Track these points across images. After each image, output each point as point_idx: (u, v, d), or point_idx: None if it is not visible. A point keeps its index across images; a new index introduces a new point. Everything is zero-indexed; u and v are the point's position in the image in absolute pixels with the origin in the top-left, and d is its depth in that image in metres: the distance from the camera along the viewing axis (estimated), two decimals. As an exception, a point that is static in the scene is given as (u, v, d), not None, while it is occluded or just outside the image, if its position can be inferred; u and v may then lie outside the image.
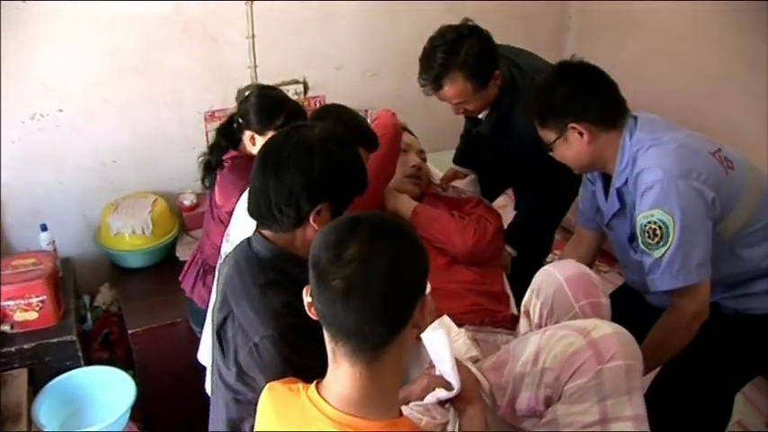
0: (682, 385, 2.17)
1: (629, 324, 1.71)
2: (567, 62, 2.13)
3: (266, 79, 3.32)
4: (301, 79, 3.44)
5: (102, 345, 3.06)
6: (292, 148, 1.62)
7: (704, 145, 2.01)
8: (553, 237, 3.10)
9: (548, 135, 2.10)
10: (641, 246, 1.96)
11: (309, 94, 3.47)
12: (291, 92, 3.39)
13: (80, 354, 2.69)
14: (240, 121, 2.47)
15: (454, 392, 1.61)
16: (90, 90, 3.03)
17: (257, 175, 1.65)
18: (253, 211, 1.69)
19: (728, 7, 3.06)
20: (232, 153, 2.51)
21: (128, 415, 2.50)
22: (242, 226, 2.09)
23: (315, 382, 1.37)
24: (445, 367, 1.61)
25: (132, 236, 3.04)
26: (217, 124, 3.22)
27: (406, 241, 1.30)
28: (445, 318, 1.71)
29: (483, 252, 2.48)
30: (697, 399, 2.18)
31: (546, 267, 1.97)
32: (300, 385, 1.40)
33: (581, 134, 2.03)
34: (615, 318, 1.86)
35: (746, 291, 2.09)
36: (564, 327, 1.71)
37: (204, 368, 2.43)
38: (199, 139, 3.31)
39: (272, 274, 1.64)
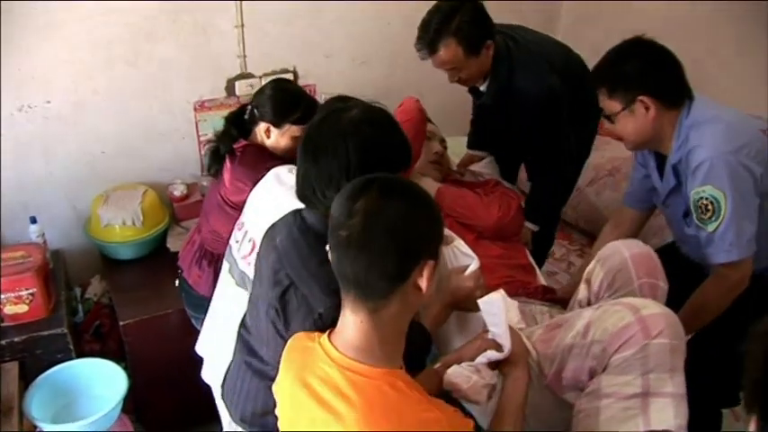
0: (712, 354, 2.19)
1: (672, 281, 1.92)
2: (640, 37, 2.14)
3: (256, 69, 3.33)
4: (291, 68, 3.42)
5: (94, 337, 3.06)
6: (328, 133, 1.65)
7: (753, 122, 2.11)
8: (564, 205, 3.13)
9: (612, 105, 2.11)
10: (696, 221, 2.04)
11: (299, 82, 3.44)
12: (281, 81, 3.38)
13: (71, 346, 2.68)
14: (255, 112, 2.49)
15: (504, 354, 1.68)
16: (79, 81, 3.01)
17: (300, 162, 1.71)
18: (299, 195, 1.74)
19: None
20: (243, 142, 2.52)
21: (120, 407, 2.50)
22: (255, 219, 2.17)
23: (329, 330, 1.47)
24: (498, 330, 1.70)
25: (123, 227, 3.02)
26: (206, 114, 3.25)
27: (413, 202, 1.37)
28: (501, 290, 1.75)
29: (508, 226, 2.63)
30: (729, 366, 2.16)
31: (614, 242, 2.05)
32: (317, 333, 1.49)
33: (647, 108, 2.07)
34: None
35: None
36: (616, 303, 1.75)
37: (199, 358, 2.44)
38: (189, 129, 3.31)
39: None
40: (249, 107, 2.55)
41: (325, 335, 1.46)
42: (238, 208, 2.38)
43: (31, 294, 2.61)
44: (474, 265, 1.92)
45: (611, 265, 1.97)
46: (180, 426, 2.94)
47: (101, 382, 2.61)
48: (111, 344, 3.04)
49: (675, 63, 2.09)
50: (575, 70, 2.74)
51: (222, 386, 2.01)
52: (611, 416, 1.64)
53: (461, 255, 2.02)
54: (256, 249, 2.07)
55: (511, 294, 2.10)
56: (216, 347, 2.31)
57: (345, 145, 1.61)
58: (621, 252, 1.96)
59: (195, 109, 3.28)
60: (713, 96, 2.10)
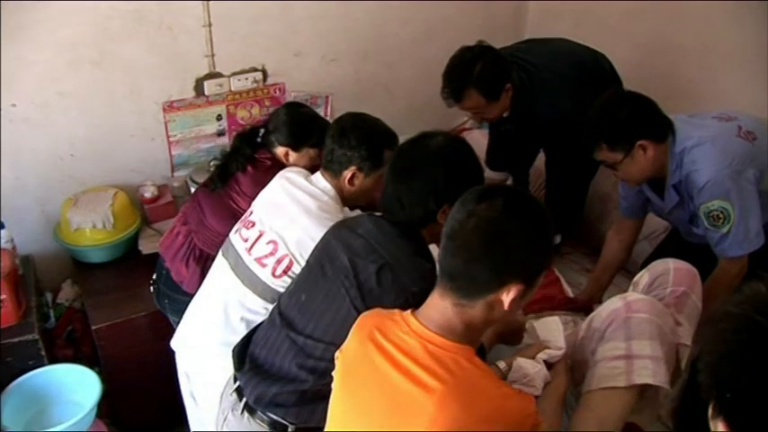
0: None
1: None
2: (616, 91, 2.46)
3: (224, 68, 3.30)
4: (260, 67, 3.40)
5: (67, 342, 3.02)
6: (417, 157, 1.89)
7: (728, 130, 2.34)
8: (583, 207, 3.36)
9: (614, 156, 2.33)
10: (708, 226, 2.32)
11: (269, 81, 3.43)
12: (250, 80, 3.36)
13: (43, 352, 2.66)
14: (271, 138, 2.62)
15: (561, 353, 1.93)
16: (44, 84, 2.96)
17: (389, 183, 1.92)
18: (385, 206, 1.94)
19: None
20: (267, 153, 2.63)
21: (94, 412, 2.48)
22: (273, 222, 2.25)
23: (411, 309, 1.55)
24: (553, 338, 1.97)
25: (93, 230, 2.99)
26: (175, 115, 3.24)
27: (529, 226, 1.44)
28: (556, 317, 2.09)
29: None
30: None
31: (665, 259, 2.24)
32: (398, 310, 1.56)
33: (645, 150, 2.30)
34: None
35: None
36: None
37: (173, 360, 2.44)
38: (158, 129, 3.28)
39: (417, 245, 1.88)
40: (263, 130, 2.66)
41: (408, 311, 1.53)
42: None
43: (0, 301, 2.57)
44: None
45: (654, 271, 2.17)
46: (156, 428, 2.92)
47: (74, 388, 2.59)
48: (85, 349, 3.01)
49: (653, 102, 2.34)
50: (601, 73, 2.96)
51: (239, 366, 2.01)
52: (600, 375, 1.88)
53: None
54: (279, 252, 2.20)
55: (539, 309, 2.48)
56: (198, 338, 2.34)
57: (433, 168, 1.84)
58: (668, 263, 2.17)
59: (164, 109, 3.25)
60: (680, 85, 2.17)
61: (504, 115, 2.90)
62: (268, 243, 2.22)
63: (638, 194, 2.62)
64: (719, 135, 2.33)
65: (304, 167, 2.50)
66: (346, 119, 2.34)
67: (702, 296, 2.23)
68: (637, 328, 1.91)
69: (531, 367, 1.86)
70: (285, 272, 2.20)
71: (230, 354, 2.04)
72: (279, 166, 2.53)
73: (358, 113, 2.37)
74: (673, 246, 2.76)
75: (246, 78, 3.37)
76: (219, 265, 2.36)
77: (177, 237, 2.66)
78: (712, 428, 1.02)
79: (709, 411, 1.02)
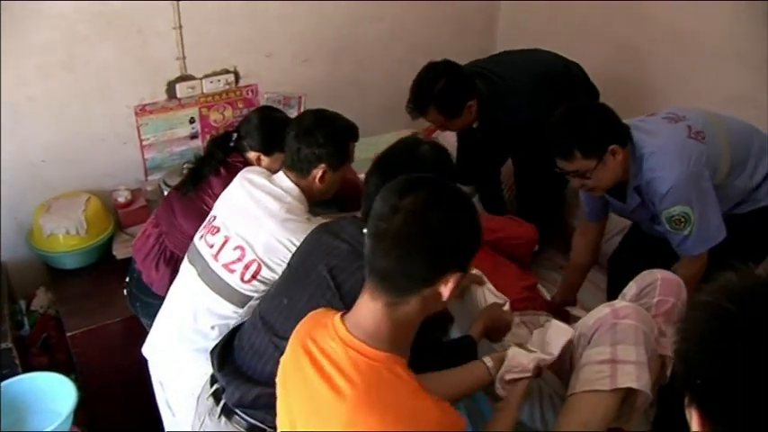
0: None
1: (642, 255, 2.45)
2: (573, 103, 2.45)
3: (196, 70, 3.29)
4: (232, 68, 3.39)
5: (42, 350, 2.99)
6: (405, 163, 1.85)
7: (679, 132, 2.38)
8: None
9: (588, 164, 2.35)
10: (669, 229, 2.37)
11: (241, 83, 3.43)
12: (222, 82, 3.35)
13: (17, 361, 2.63)
14: (244, 143, 2.60)
15: (551, 359, 1.95)
16: (14, 89, 2.93)
17: (372, 183, 1.88)
18: (365, 209, 1.89)
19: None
20: (238, 156, 2.63)
21: (70, 419, 2.46)
22: (239, 227, 2.23)
23: (342, 312, 1.52)
24: (552, 345, 2.00)
25: (66, 236, 2.97)
26: (148, 118, 3.22)
27: (457, 212, 1.42)
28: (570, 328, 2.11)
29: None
30: None
31: (653, 270, 2.28)
32: (334, 312, 1.53)
33: (614, 155, 2.34)
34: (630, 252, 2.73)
35: (752, 198, 2.51)
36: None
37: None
38: (130, 134, 3.26)
39: None
40: (235, 135, 2.64)
41: (339, 314, 1.50)
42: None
43: (-27, 310, 2.55)
44: (507, 306, 2.22)
45: (642, 282, 2.22)
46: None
47: (50, 396, 2.56)
48: (60, 356, 2.98)
49: (611, 109, 2.40)
50: (570, 81, 3.05)
51: (220, 367, 2.00)
52: (585, 378, 1.94)
53: (492, 296, 2.30)
54: (247, 257, 2.19)
55: (521, 308, 2.54)
56: (170, 345, 2.33)
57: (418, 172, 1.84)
58: (654, 273, 2.22)
59: (136, 113, 3.23)
60: (650, 82, 2.18)
61: (474, 126, 2.99)
62: (235, 249, 2.21)
63: (598, 199, 2.67)
64: (673, 140, 2.38)
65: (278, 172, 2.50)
66: (308, 117, 2.34)
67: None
68: (623, 333, 1.96)
69: (524, 358, 1.91)
70: (254, 276, 2.19)
71: (203, 360, 2.04)
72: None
73: (318, 110, 2.38)
74: (636, 237, 2.85)
75: (218, 80, 3.36)
76: (186, 272, 2.35)
77: (148, 239, 2.65)
78: (688, 417, 1.04)
79: (685, 400, 1.03)
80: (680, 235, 2.38)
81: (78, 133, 3.15)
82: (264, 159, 2.59)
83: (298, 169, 2.28)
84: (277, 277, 2.11)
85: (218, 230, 2.27)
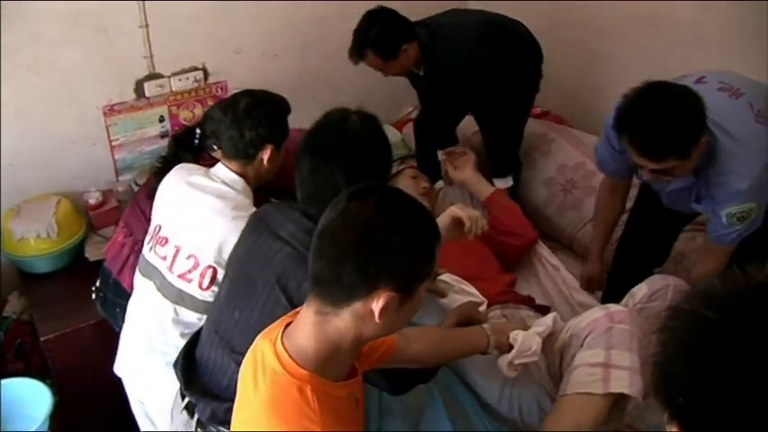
0: None
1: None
2: (655, 92, 2.10)
3: (164, 68, 3.26)
4: (200, 66, 3.36)
5: (16, 356, 2.96)
6: (332, 139, 1.82)
7: (747, 119, 2.18)
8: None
9: (677, 164, 2.10)
10: (725, 223, 2.20)
11: (210, 80, 3.40)
12: (191, 79, 3.33)
13: (-8, 368, 2.61)
14: (208, 143, 2.40)
15: (549, 329, 2.06)
16: (-21, 92, 2.90)
17: (303, 164, 1.83)
18: (302, 195, 1.85)
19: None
20: (206, 157, 2.47)
21: (46, 425, 2.44)
22: (187, 235, 2.18)
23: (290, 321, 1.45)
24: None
25: (37, 240, 2.94)
26: (117, 118, 3.19)
27: (402, 228, 1.32)
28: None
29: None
30: None
31: (665, 275, 2.37)
32: (284, 323, 1.46)
33: (698, 148, 2.07)
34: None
35: None
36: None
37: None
38: (99, 134, 3.22)
39: None
40: (198, 132, 2.47)
41: (287, 321, 1.44)
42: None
43: (-56, 318, 2.52)
44: (483, 307, 2.24)
45: (653, 286, 2.27)
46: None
47: (25, 402, 2.54)
48: (36, 361, 2.95)
49: (697, 98, 2.09)
50: (513, 32, 3.14)
51: (187, 384, 1.96)
52: (578, 380, 1.96)
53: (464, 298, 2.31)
54: (201, 265, 2.12)
55: (501, 302, 2.53)
56: (142, 362, 2.29)
57: (350, 149, 1.79)
58: (668, 279, 2.30)
59: (105, 113, 3.20)
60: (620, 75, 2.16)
61: (420, 73, 3.07)
62: (188, 258, 2.15)
63: (624, 162, 2.42)
64: (748, 134, 2.16)
65: None
66: (241, 98, 2.24)
67: (698, 278, 2.34)
68: (618, 338, 1.97)
69: (533, 342, 1.97)
70: (212, 282, 2.13)
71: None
72: None
73: (247, 90, 2.30)
74: (645, 213, 2.72)
75: (187, 78, 3.33)
76: (143, 286, 2.29)
77: (123, 248, 2.59)
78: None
79: (664, 417, 0.96)
80: (732, 229, 2.21)
81: (47, 135, 3.11)
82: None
83: (242, 156, 2.19)
84: None
85: (167, 241, 2.20)
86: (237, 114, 2.18)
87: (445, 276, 2.32)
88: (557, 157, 3.38)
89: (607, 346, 1.97)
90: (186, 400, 1.93)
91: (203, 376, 1.93)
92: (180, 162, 2.44)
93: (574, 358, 2.03)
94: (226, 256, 2.05)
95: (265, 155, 2.19)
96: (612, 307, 2.08)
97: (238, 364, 1.70)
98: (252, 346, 1.48)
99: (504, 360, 1.98)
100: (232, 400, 1.72)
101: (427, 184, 3.11)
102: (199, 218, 2.15)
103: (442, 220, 2.02)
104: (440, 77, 3.04)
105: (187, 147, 2.49)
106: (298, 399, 1.32)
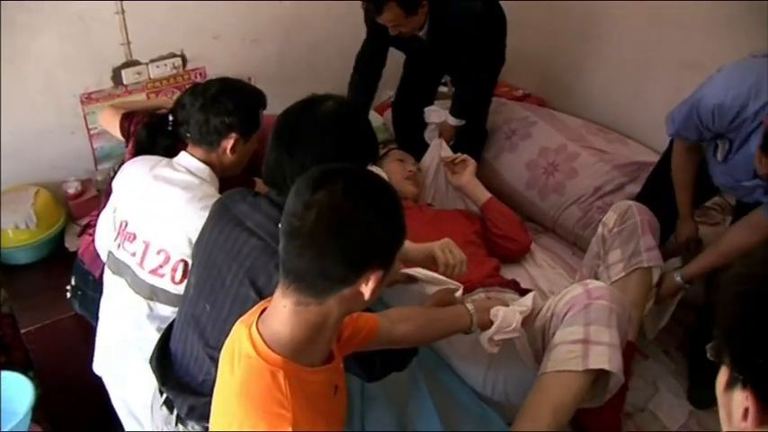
0: None
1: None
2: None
3: (142, 55, 3.22)
4: (179, 52, 3.32)
5: (-3, 349, 2.94)
6: (303, 124, 1.73)
7: None
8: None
9: None
10: None
11: (188, 66, 3.36)
12: (169, 66, 3.29)
13: (-28, 362, 2.58)
14: (181, 130, 2.35)
15: (528, 311, 2.07)
16: (-47, 83, 2.85)
17: (272, 150, 1.76)
18: (268, 180, 1.80)
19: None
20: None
21: (28, 418, 2.41)
22: (156, 229, 2.15)
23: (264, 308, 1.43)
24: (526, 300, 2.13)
25: (16, 231, 2.91)
26: (94, 106, 3.15)
27: (375, 207, 1.31)
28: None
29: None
30: None
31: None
32: (259, 310, 1.45)
33: None
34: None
35: None
36: (572, 284, 2.18)
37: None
38: (77, 123, 3.18)
39: None
40: (171, 119, 2.43)
41: (264, 306, 1.43)
42: None
43: None
44: (459, 292, 2.16)
45: (621, 210, 2.43)
46: (97, 429, 2.87)
47: (7, 395, 2.50)
48: (17, 354, 2.92)
49: None
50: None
51: (163, 380, 1.94)
52: (557, 358, 1.98)
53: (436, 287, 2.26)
54: (173, 259, 2.10)
55: (486, 285, 2.56)
56: (120, 360, 2.28)
57: (321, 137, 1.70)
58: (627, 202, 2.43)
59: (82, 102, 3.16)
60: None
61: (420, 34, 3.04)
62: (158, 253, 2.13)
63: (709, 135, 2.31)
64: None
65: None
66: (213, 85, 2.22)
67: (715, 257, 2.38)
68: (596, 314, 1.98)
69: (513, 318, 1.96)
70: (184, 275, 2.10)
71: None
72: None
73: (223, 78, 2.29)
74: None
75: (165, 65, 3.29)
76: (114, 284, 2.27)
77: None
78: (722, 397, 1.02)
79: (721, 378, 1.00)
80: None
81: (24, 125, 3.07)
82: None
83: (207, 142, 2.17)
84: None
85: (135, 237, 2.17)
86: (206, 99, 2.16)
87: (415, 271, 2.29)
88: (538, 140, 3.39)
89: (586, 323, 1.98)
90: (165, 395, 1.91)
91: (178, 370, 1.90)
92: (160, 150, 2.42)
93: (554, 336, 2.04)
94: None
95: (228, 144, 2.17)
96: (591, 283, 2.09)
97: (213, 359, 1.73)
98: (231, 332, 1.47)
99: (484, 336, 1.98)
100: (210, 395, 1.71)
101: (413, 168, 3.12)
102: (166, 211, 2.11)
103: (424, 251, 2.12)
104: (444, 38, 3.03)
105: (164, 133, 2.46)
106: (270, 383, 1.31)
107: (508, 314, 1.98)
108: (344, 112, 1.78)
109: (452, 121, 3.31)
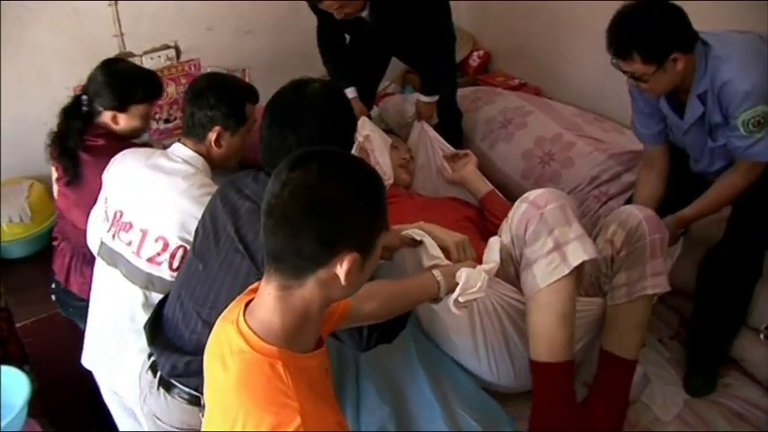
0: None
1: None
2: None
3: (135, 47, 3.21)
4: (172, 44, 3.31)
5: (-7, 343, 2.94)
6: (291, 106, 1.83)
7: (752, 38, 2.31)
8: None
9: (646, 69, 2.23)
10: (743, 133, 2.26)
11: (183, 57, 3.36)
12: (163, 58, 3.28)
13: (-32, 357, 2.57)
14: (95, 105, 2.43)
15: (496, 265, 2.09)
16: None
17: (266, 131, 1.85)
18: (265, 161, 1.86)
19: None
20: (95, 131, 2.48)
21: (24, 412, 2.40)
22: (153, 218, 2.16)
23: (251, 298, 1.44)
24: (493, 254, 2.15)
25: (10, 225, 2.91)
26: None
27: (351, 188, 1.30)
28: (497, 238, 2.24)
29: None
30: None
31: (629, 207, 2.38)
32: (246, 299, 1.45)
33: (675, 62, 2.22)
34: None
35: None
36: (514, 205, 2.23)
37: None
38: (71, 116, 3.16)
39: None
40: (85, 98, 2.47)
41: (245, 300, 1.43)
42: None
43: None
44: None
45: (630, 227, 2.28)
46: (93, 422, 2.86)
47: (2, 390, 2.49)
48: (13, 348, 2.92)
49: (682, 11, 2.23)
50: None
51: (152, 340, 1.98)
52: (542, 273, 2.09)
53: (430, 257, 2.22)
54: (171, 246, 2.13)
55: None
56: (113, 353, 2.27)
57: (308, 117, 1.80)
58: (637, 215, 2.28)
59: (76, 94, 3.14)
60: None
61: (364, 15, 2.93)
62: (156, 240, 2.15)
63: (654, 119, 2.57)
64: (748, 43, 2.30)
65: (139, 129, 2.49)
66: (201, 80, 2.28)
67: (722, 193, 2.45)
68: (553, 218, 2.09)
69: (477, 278, 1.95)
70: (182, 261, 2.12)
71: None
72: (114, 140, 2.45)
73: (212, 73, 2.36)
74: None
75: (159, 56, 3.29)
76: (107, 275, 2.27)
77: (65, 257, 2.60)
78: None
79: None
80: (752, 138, 2.27)
81: (17, 118, 3.07)
82: (121, 116, 2.46)
83: (194, 135, 2.22)
84: None
85: (131, 226, 2.19)
86: (192, 94, 2.22)
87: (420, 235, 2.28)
88: (534, 130, 3.37)
89: (549, 231, 2.08)
90: (152, 359, 1.95)
91: (168, 332, 1.95)
92: (71, 134, 2.46)
93: (524, 256, 2.15)
94: (190, 232, 2.08)
95: (212, 136, 2.21)
96: (531, 194, 2.17)
97: (200, 316, 1.83)
98: (213, 333, 1.47)
99: (450, 300, 1.95)
100: (192, 354, 1.80)
101: (407, 156, 3.11)
102: (165, 199, 2.14)
103: (441, 241, 2.14)
104: (384, 13, 2.94)
105: (77, 115, 2.48)
106: (270, 375, 1.31)
107: (472, 275, 1.94)
108: (328, 93, 1.89)
109: (424, 98, 3.24)
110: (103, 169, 2.35)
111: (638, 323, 2.29)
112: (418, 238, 2.16)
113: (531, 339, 2.18)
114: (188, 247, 2.10)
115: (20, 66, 2.97)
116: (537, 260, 2.10)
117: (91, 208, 2.42)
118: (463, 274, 1.93)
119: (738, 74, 2.22)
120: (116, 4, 3.07)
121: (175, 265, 2.14)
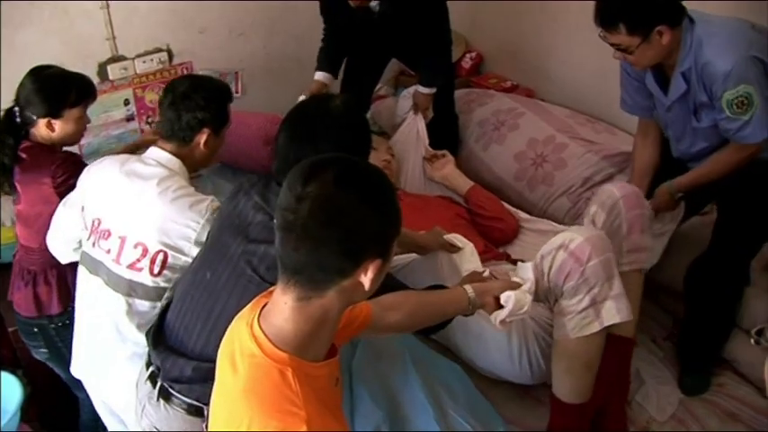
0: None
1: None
2: None
3: (128, 50, 3.21)
4: (165, 47, 3.31)
5: (-15, 348, 2.92)
6: (310, 120, 1.84)
7: (740, 22, 2.35)
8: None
9: (632, 41, 2.28)
10: (729, 115, 2.30)
11: (175, 61, 3.34)
12: (156, 61, 3.27)
13: (-40, 362, 2.56)
14: (27, 113, 2.35)
15: (531, 285, 2.06)
16: (-64, 79, 2.82)
17: (282, 142, 1.84)
18: (278, 170, 1.84)
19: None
20: (26, 143, 2.40)
21: (17, 417, 2.41)
22: (135, 225, 2.13)
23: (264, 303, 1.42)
24: (526, 275, 2.13)
25: (3, 228, 2.90)
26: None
27: (368, 196, 1.29)
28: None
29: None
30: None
31: (608, 186, 2.46)
32: (259, 306, 1.43)
33: (661, 35, 2.26)
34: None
35: None
36: (549, 245, 2.24)
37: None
38: (63, 119, 3.15)
39: None
40: (16, 109, 2.40)
41: (263, 303, 1.41)
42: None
43: None
44: (487, 272, 2.19)
45: (609, 206, 2.37)
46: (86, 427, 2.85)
47: (-5, 395, 2.50)
48: (6, 353, 2.89)
49: None
50: None
51: (155, 346, 1.95)
52: (574, 326, 2.17)
53: (469, 264, 2.34)
54: (150, 251, 2.10)
55: (485, 261, 2.52)
56: (100, 363, 2.25)
57: (330, 134, 1.79)
58: (614, 194, 2.37)
59: (68, 97, 3.13)
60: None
61: (373, 5, 2.96)
62: (135, 246, 2.12)
63: (638, 91, 2.63)
64: (734, 26, 2.34)
65: (76, 133, 2.43)
66: (181, 83, 2.22)
67: (711, 170, 2.48)
68: (593, 276, 2.13)
69: (524, 301, 1.98)
70: (163, 266, 2.11)
71: (138, 363, 2.00)
72: (46, 151, 2.40)
73: (190, 75, 2.33)
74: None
75: (151, 60, 3.28)
76: (89, 284, 2.25)
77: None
78: None
79: None
80: (739, 121, 2.29)
81: (8, 121, 3.04)
82: (57, 123, 2.37)
83: (179, 138, 2.18)
84: (186, 258, 2.08)
85: (110, 234, 2.17)
86: (176, 96, 2.17)
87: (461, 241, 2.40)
88: (526, 131, 3.38)
89: (588, 288, 2.14)
90: (150, 369, 1.93)
91: (171, 339, 1.93)
92: (7, 149, 2.39)
93: (558, 304, 2.22)
94: (173, 237, 2.07)
95: (201, 138, 2.19)
96: (571, 242, 2.17)
97: (204, 323, 1.82)
98: (228, 329, 1.46)
99: (496, 317, 1.98)
100: (198, 359, 1.78)
101: (388, 156, 3.12)
102: (141, 205, 2.12)
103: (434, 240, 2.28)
104: (402, 5, 2.97)
105: (9, 129, 2.41)
106: (279, 382, 1.30)
107: (520, 298, 1.97)
108: (351, 109, 1.91)
109: (423, 89, 3.27)
110: (39, 182, 2.35)
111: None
112: (460, 245, 2.31)
113: (554, 378, 2.29)
114: (168, 252, 2.09)
115: (11, 68, 2.93)
116: (570, 312, 2.18)
117: (30, 221, 2.41)
118: (512, 298, 1.95)
119: (720, 54, 2.26)
120: (108, 6, 3.06)
121: (156, 270, 2.12)
